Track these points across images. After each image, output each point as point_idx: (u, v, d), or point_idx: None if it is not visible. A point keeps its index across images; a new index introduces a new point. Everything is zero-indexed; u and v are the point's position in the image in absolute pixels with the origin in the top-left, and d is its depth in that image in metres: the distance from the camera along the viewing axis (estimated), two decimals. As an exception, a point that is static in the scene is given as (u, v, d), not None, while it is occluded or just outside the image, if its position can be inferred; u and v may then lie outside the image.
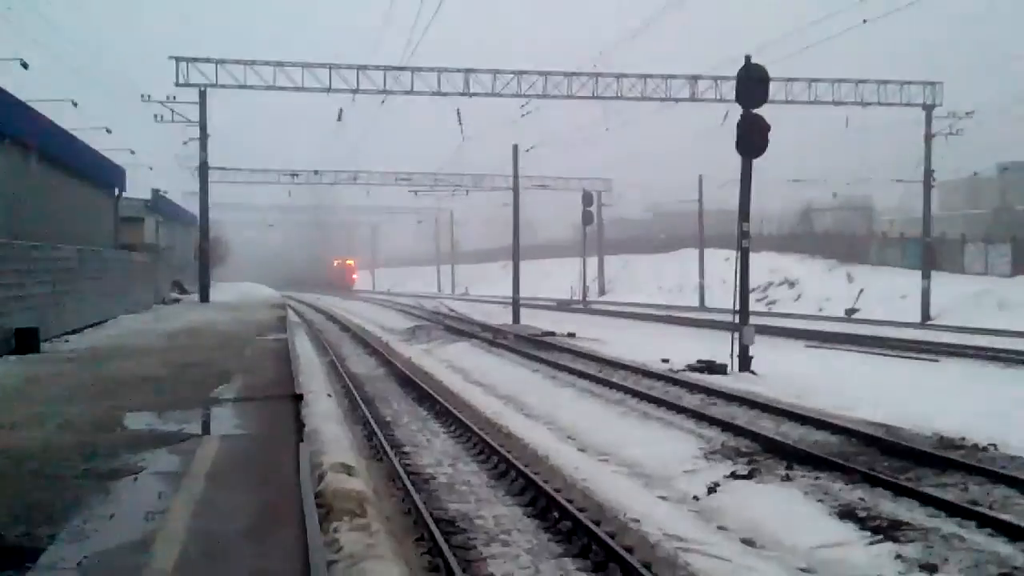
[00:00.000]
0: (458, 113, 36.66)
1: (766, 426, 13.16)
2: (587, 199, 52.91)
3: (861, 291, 43.56)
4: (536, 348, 24.82)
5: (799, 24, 26.09)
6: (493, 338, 27.77)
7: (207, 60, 35.10)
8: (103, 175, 30.83)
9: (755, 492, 9.74)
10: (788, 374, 18.19)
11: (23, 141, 21.15)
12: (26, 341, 17.68)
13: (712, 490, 9.92)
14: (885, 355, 23.41)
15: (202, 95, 37.64)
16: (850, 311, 41.29)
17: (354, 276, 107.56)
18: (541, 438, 12.50)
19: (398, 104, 37.48)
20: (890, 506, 9.10)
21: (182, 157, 48.73)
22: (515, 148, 38.95)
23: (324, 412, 12.93)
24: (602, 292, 66.90)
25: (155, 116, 39.31)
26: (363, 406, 15.34)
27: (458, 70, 34.80)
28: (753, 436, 12.26)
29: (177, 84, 35.70)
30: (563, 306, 54.37)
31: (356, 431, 13.38)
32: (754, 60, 19.84)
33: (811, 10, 27.02)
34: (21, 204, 21.01)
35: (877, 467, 10.54)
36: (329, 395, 15.44)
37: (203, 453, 8.84)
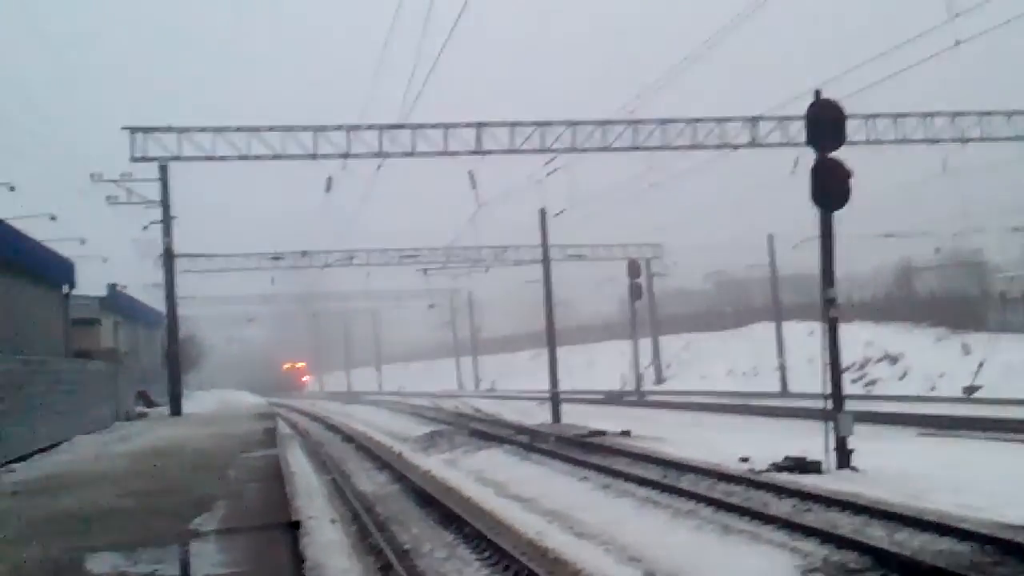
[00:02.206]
0: (470, 175, 37.11)
1: (876, 535, 12.92)
2: (633, 269, 53.11)
3: (981, 364, 43.02)
4: (583, 452, 24.67)
5: (878, 49, 26.31)
6: (530, 442, 27.66)
7: (168, 129, 35.43)
8: (48, 270, 31.21)
9: (870, 617, 9.51)
10: (899, 470, 17.89)
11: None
12: (-37, 473, 17.77)
13: (815, 617, 9.70)
14: (1021, 442, 23.01)
15: (163, 170, 38.08)
16: (970, 389, 40.77)
17: (304, 379, 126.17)
18: (596, 561, 12.33)
19: (398, 169, 37.96)
20: (1042, 627, 8.86)
21: (142, 244, 49.64)
22: (542, 213, 39.34)
23: (328, 542, 12.85)
24: (659, 379, 66.64)
25: (108, 198, 39.97)
26: (375, 532, 15.21)
27: (468, 125, 35.17)
28: (861, 548, 12.03)
29: (133, 159, 35.91)
30: (613, 399, 54.17)
31: (369, 563, 13.23)
32: (825, 95, 20.02)
33: (892, 34, 27.31)
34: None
35: (1021, 579, 10.30)
36: (333, 520, 15.36)
37: (183, 598, 8.77)
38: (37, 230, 31.12)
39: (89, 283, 39.08)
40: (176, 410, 39.85)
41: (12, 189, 31.21)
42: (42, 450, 24.05)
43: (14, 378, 23.06)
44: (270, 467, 19.48)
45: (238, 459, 21.25)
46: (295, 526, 12.41)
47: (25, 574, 10.00)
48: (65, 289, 33.41)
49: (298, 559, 10.69)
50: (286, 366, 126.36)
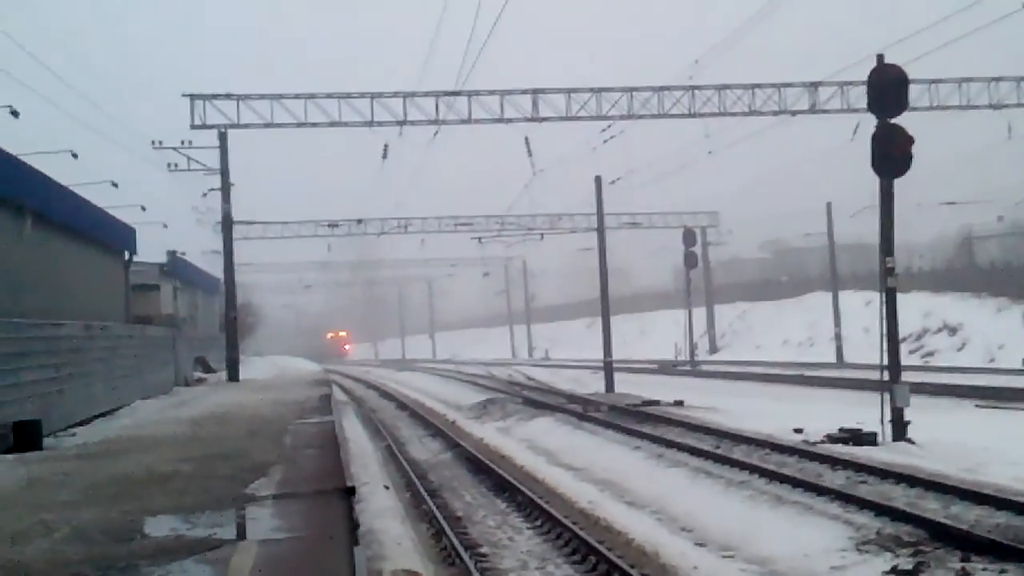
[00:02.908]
0: (526, 142, 37.08)
1: (932, 508, 12.80)
2: (689, 238, 52.74)
3: (1042, 336, 42.35)
4: (636, 421, 24.64)
5: (943, 12, 25.89)
6: (583, 411, 27.67)
7: (227, 96, 35.87)
8: (110, 237, 31.64)
9: (924, 591, 9.43)
10: (955, 442, 17.70)
11: (16, 201, 21.83)
12: (26, 436, 18.07)
13: (869, 590, 9.63)
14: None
15: (222, 137, 38.51)
16: (1029, 361, 40.11)
17: (346, 347, 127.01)
18: (649, 531, 12.34)
19: (454, 137, 38.02)
20: (1101, 604, 8.73)
21: (201, 211, 50.19)
22: (598, 180, 39.15)
23: (382, 508, 12.96)
24: (713, 349, 66.32)
25: (168, 165, 40.43)
26: (428, 499, 15.35)
27: (524, 91, 35.13)
28: (916, 521, 11.92)
29: (193, 126, 36.45)
30: (666, 368, 54.00)
31: (421, 529, 13.36)
32: (888, 59, 19.68)
33: None
34: (15, 275, 21.62)
35: (1080, 555, 10.14)
36: (387, 487, 15.49)
37: (239, 562, 8.87)
38: (99, 197, 31.53)
39: (149, 249, 39.66)
40: (234, 376, 40.39)
41: (75, 156, 31.56)
42: (103, 414, 24.48)
43: (76, 343, 23.47)
44: (325, 433, 19.65)
45: (294, 425, 21.49)
46: (350, 492, 12.51)
47: (85, 537, 10.18)
48: (126, 255, 33.86)
49: (353, 524, 10.78)
50: (329, 335, 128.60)
